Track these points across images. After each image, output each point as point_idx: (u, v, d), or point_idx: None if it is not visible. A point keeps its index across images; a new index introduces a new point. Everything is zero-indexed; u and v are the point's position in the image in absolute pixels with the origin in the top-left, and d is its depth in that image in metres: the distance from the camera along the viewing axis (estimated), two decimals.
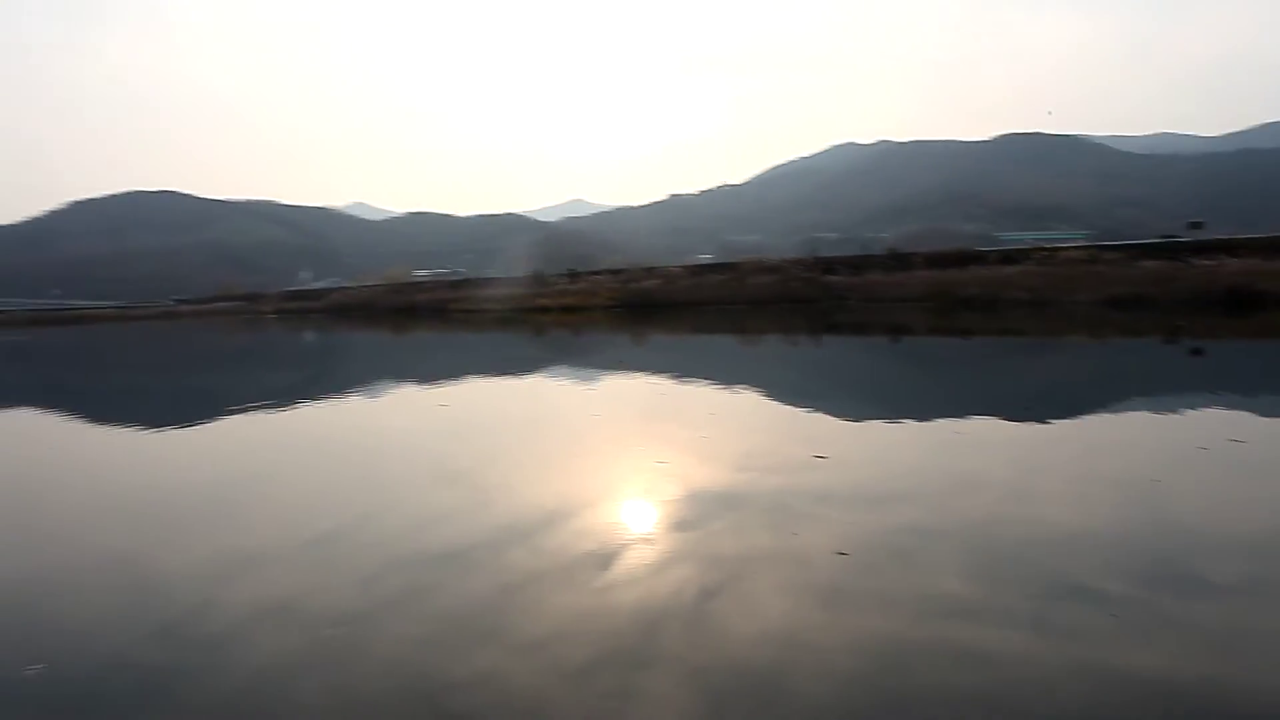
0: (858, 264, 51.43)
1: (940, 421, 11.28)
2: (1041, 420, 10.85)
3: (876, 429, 11.03)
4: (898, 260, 49.30)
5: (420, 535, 6.62)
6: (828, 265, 52.04)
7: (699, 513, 6.87)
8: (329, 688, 4.09)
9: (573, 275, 63.59)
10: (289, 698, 4.02)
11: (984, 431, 10.30)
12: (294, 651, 4.53)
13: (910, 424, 11.18)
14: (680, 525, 6.56)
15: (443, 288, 76.62)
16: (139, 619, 5.09)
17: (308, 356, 32.96)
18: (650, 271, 58.99)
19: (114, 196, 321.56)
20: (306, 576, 5.72)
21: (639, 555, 5.86)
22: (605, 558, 5.82)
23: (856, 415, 11.91)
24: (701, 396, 14.42)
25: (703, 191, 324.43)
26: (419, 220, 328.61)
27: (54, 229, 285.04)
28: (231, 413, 14.92)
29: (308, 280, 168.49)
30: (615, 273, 61.60)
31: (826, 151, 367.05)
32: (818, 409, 12.40)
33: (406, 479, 8.84)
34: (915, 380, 17.30)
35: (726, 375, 17.28)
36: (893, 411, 12.03)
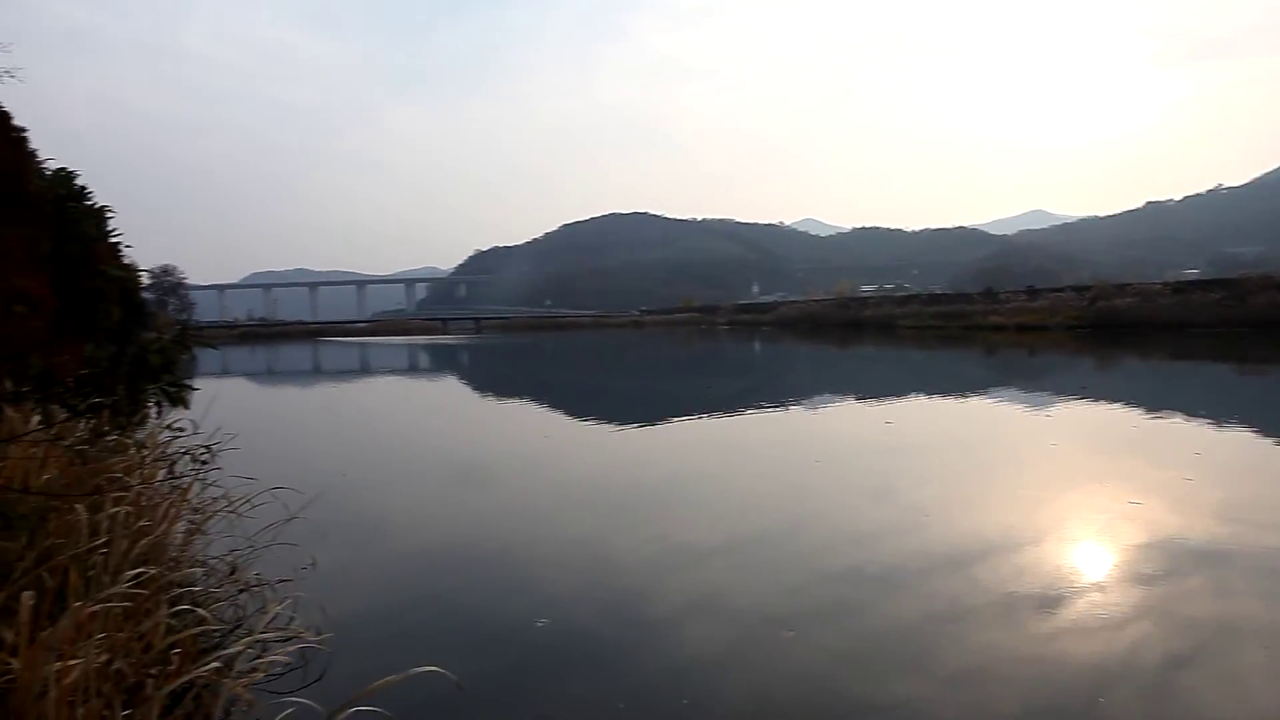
0: None
1: None
2: None
3: None
4: None
5: (848, 550, 6.62)
6: None
7: (1170, 565, 5.98)
8: (747, 686, 4.26)
9: (1031, 292, 59.26)
10: (711, 688, 4.26)
11: None
12: (720, 646, 4.79)
13: None
14: (1145, 577, 5.76)
15: (889, 303, 75.79)
16: (595, 595, 5.76)
17: (754, 366, 34.52)
18: (1122, 289, 52.64)
19: (596, 218, 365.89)
20: (737, 576, 6.01)
21: (1091, 604, 5.26)
22: (1050, 601, 5.31)
23: None
24: (1185, 433, 12.50)
25: (1186, 197, 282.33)
26: (866, 235, 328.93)
27: (547, 248, 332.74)
28: (682, 416, 16.20)
29: (758, 294, 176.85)
30: (1080, 290, 56.00)
31: None
32: None
33: (837, 492, 8.90)
34: None
35: (1218, 411, 14.78)
36: None
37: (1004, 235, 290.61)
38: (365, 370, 38.64)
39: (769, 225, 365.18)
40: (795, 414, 16.34)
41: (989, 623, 4.98)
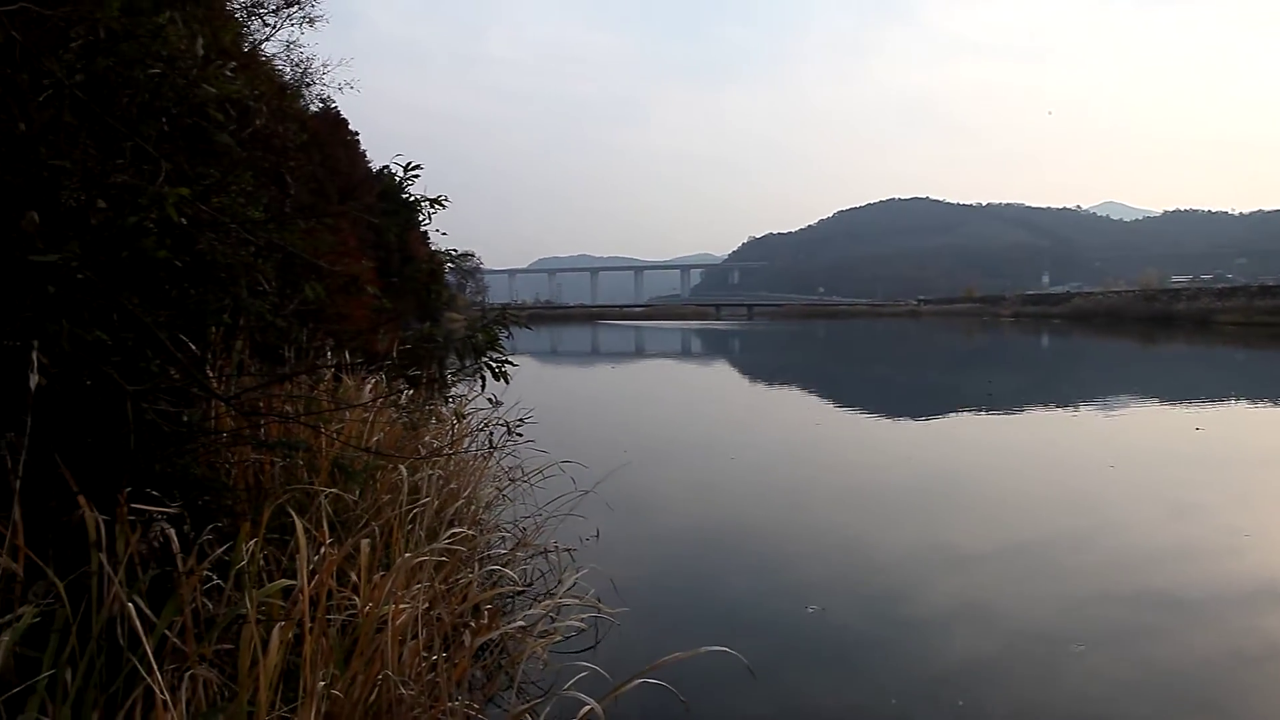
0: None
1: None
2: None
3: None
4: None
5: (1140, 569, 5.99)
6: None
7: None
8: (1016, 702, 3.99)
9: None
10: (975, 701, 4.01)
11: None
12: (985, 658, 4.52)
13: None
14: None
15: (1207, 295, 67.44)
16: (856, 589, 5.66)
17: (1040, 362, 32.16)
18: None
19: (872, 204, 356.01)
20: (1009, 586, 5.66)
21: None
22: None
23: None
24: None
25: None
26: (1179, 219, 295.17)
27: (823, 235, 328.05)
28: (957, 411, 15.42)
29: (1048, 284, 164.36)
30: None
31: None
32: None
33: (1127, 503, 8.06)
34: None
35: None
36: None
37: None
38: (640, 353, 40.21)
39: (1063, 209, 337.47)
40: (1086, 415, 15.00)
41: None
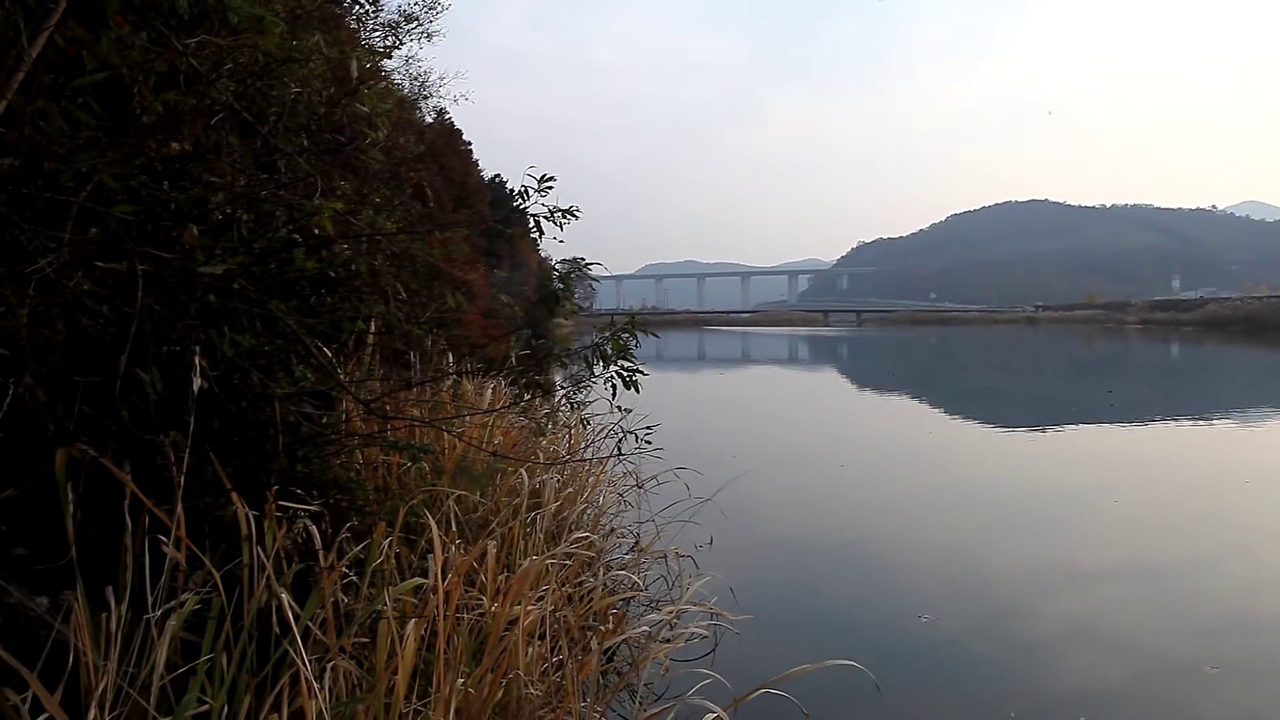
0: None
1: None
2: None
3: None
4: None
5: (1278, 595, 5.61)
6: None
7: None
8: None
9: None
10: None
11: None
12: (1102, 685, 4.30)
13: None
14: None
15: None
16: (972, 605, 5.50)
17: (1169, 371, 30.52)
18: None
19: (988, 207, 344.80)
20: (1133, 609, 5.38)
21: None
22: None
23: None
24: None
25: None
26: None
27: (935, 239, 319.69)
28: (1076, 423, 14.78)
29: (1178, 289, 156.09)
30: None
31: None
32: None
33: (1273, 526, 7.55)
34: None
35: None
36: None
37: None
38: (747, 359, 40.00)
39: (1196, 210, 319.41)
40: (1221, 429, 14.16)
41: None
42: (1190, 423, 14.80)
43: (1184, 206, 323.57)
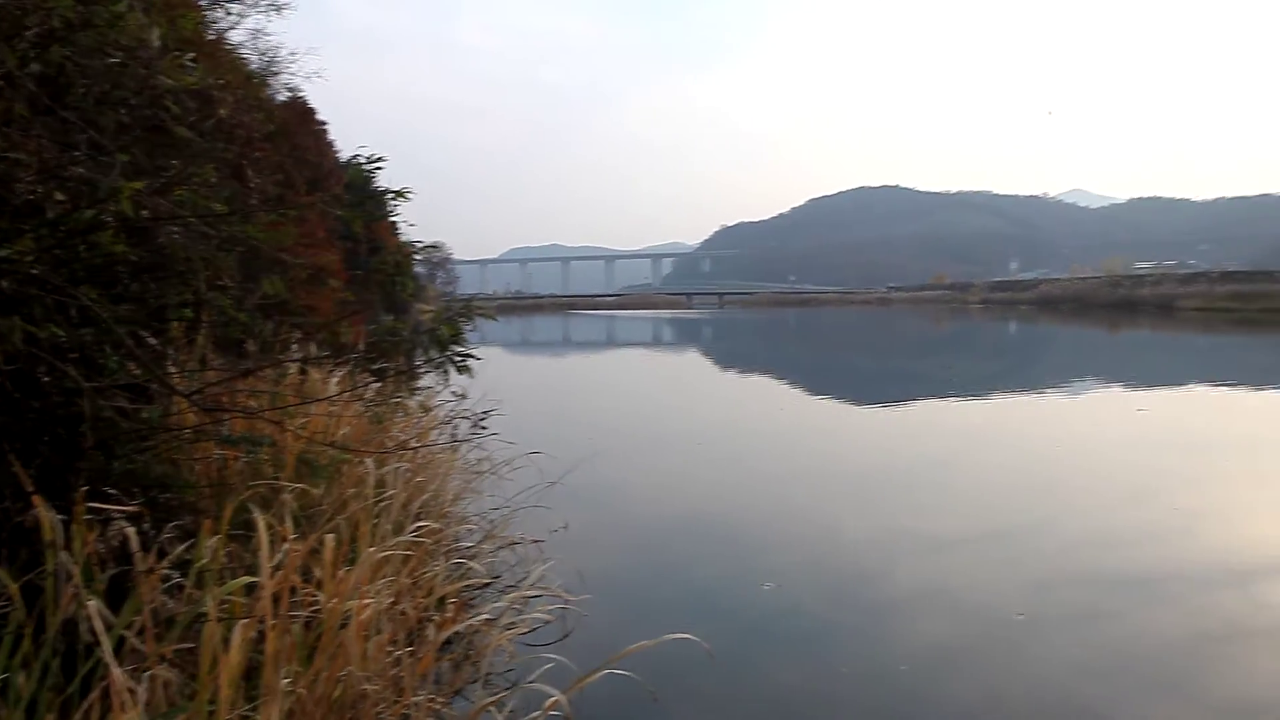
0: None
1: None
2: None
3: None
4: None
5: (1103, 553, 6.11)
6: None
7: None
8: (978, 685, 4.07)
9: None
10: (939, 682, 4.11)
11: None
12: (949, 640, 4.61)
13: None
14: None
15: (1170, 282, 68.44)
16: (820, 573, 5.75)
17: (1007, 348, 32.52)
18: None
19: (844, 193, 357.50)
20: (974, 571, 5.74)
21: None
22: None
23: None
24: None
25: None
26: (1144, 206, 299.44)
27: (793, 223, 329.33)
28: (921, 398, 15.65)
29: (1016, 271, 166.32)
30: None
31: None
32: None
33: (1088, 488, 8.15)
34: None
35: None
36: None
37: None
38: (612, 342, 40.19)
39: (1031, 197, 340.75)
40: (1049, 400, 15.32)
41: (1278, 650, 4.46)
42: (1022, 395, 15.88)
43: (1020, 193, 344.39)
